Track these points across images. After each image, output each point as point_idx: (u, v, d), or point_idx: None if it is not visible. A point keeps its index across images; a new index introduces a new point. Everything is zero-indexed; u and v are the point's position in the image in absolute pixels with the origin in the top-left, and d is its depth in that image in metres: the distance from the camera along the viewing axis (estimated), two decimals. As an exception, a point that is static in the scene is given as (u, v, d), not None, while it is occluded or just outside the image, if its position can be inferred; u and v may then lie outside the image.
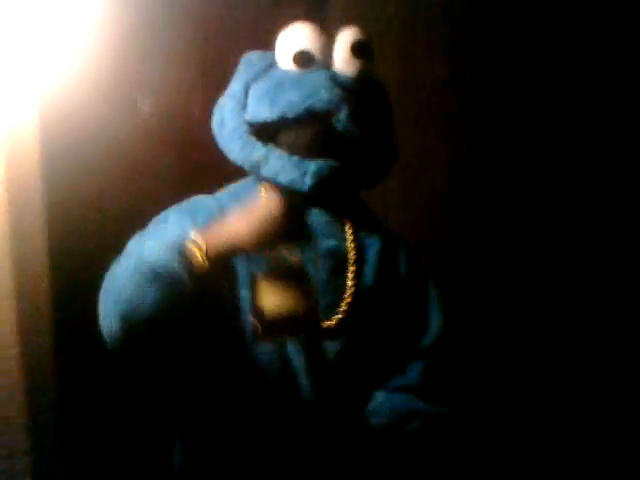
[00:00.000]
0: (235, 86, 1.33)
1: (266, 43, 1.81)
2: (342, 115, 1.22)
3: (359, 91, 1.27)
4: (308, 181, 1.24)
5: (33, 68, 1.62)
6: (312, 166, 1.24)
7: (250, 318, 1.18)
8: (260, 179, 1.32)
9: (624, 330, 2.43)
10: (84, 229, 1.76)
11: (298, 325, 1.18)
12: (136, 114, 1.80)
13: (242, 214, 1.16)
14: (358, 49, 1.29)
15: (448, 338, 1.41)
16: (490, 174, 2.41)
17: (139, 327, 1.15)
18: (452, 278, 2.27)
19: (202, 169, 1.85)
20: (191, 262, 1.11)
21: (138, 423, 1.85)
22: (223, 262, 1.16)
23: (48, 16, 1.64)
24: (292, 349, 1.26)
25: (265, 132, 1.28)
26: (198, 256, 1.11)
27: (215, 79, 1.82)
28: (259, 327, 1.15)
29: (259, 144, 1.28)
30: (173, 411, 1.40)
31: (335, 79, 1.25)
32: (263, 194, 1.30)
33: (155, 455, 1.78)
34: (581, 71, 2.38)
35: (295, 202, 1.27)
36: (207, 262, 1.11)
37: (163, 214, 1.32)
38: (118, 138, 1.77)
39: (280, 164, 1.25)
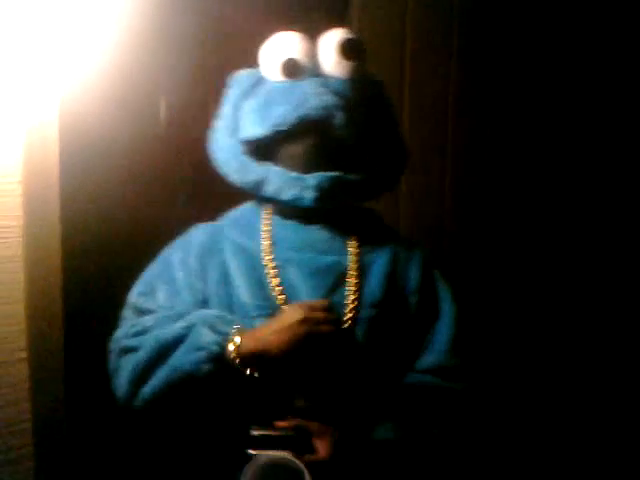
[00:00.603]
0: (225, 108, 1.31)
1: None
2: (337, 121, 1.18)
3: (353, 94, 1.22)
4: (309, 195, 1.21)
5: (53, 71, 1.61)
6: (311, 180, 1.20)
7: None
8: (262, 199, 1.30)
9: (624, 329, 2.44)
10: (98, 234, 1.75)
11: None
12: (155, 121, 1.79)
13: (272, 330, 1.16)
14: (347, 49, 1.23)
15: (453, 360, 1.32)
16: (502, 174, 2.42)
17: (159, 409, 1.23)
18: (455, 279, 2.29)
19: (216, 179, 1.84)
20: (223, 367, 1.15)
21: (144, 430, 1.84)
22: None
23: (70, 20, 1.63)
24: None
25: (261, 149, 1.25)
26: (233, 361, 1.14)
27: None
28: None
29: (255, 164, 1.25)
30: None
31: (326, 84, 1.20)
32: (265, 216, 1.31)
33: (157, 461, 1.78)
34: (591, 72, 2.41)
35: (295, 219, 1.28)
36: (244, 366, 1.14)
37: (164, 255, 1.36)
38: (136, 143, 1.76)
39: (279, 182, 1.23)
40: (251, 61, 1.87)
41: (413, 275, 1.32)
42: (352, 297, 1.24)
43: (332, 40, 1.24)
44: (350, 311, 1.24)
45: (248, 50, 1.83)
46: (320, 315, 1.15)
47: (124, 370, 1.24)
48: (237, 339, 1.14)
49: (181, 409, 1.24)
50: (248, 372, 1.14)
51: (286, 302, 1.23)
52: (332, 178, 1.21)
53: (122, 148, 1.75)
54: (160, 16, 1.78)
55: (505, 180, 2.43)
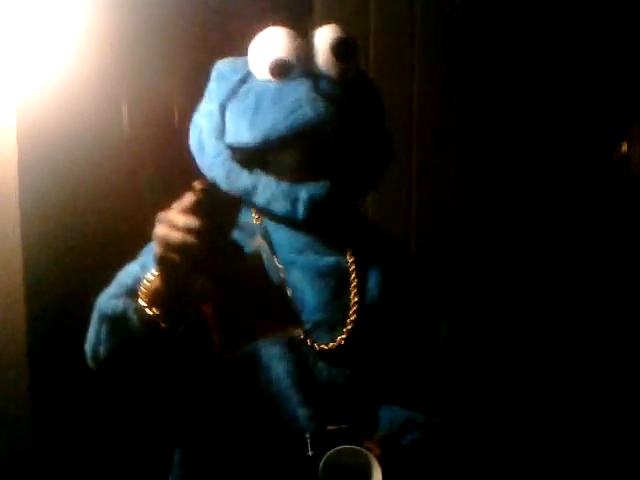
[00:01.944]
0: (210, 105, 1.22)
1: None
2: (329, 129, 1.13)
3: (346, 97, 1.17)
4: (301, 209, 1.15)
5: (10, 75, 1.57)
6: (303, 193, 1.15)
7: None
8: (252, 206, 1.23)
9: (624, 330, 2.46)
10: (61, 240, 1.68)
11: (268, 327, 1.02)
12: (118, 124, 1.78)
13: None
14: (340, 49, 1.17)
15: (449, 351, 1.33)
16: (490, 174, 2.42)
17: (108, 368, 1.11)
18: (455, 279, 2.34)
19: (182, 179, 1.89)
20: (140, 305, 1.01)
21: (112, 446, 1.83)
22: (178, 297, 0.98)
23: (27, 22, 1.59)
24: (285, 379, 1.16)
25: (250, 154, 1.18)
26: (141, 301, 1.00)
27: (198, 87, 1.90)
28: (219, 338, 0.97)
29: (244, 172, 1.18)
30: (171, 423, 1.30)
31: (318, 88, 1.14)
32: (256, 219, 1.24)
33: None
34: (578, 70, 2.44)
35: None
36: (150, 307, 0.99)
37: (147, 248, 1.24)
38: (98, 147, 1.71)
39: (269, 193, 1.16)
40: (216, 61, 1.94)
41: (406, 275, 1.32)
42: (354, 300, 1.22)
43: (324, 39, 1.18)
44: (353, 314, 1.21)
45: (212, 50, 1.91)
46: (173, 219, 0.90)
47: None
48: (150, 276, 1.00)
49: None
50: (150, 311, 0.98)
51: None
52: (324, 189, 1.15)
53: (84, 152, 1.66)
54: (122, 17, 1.73)
55: (510, 182, 2.43)
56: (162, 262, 0.92)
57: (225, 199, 0.98)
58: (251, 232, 1.04)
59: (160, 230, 0.90)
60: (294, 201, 1.15)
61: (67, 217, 1.71)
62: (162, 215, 0.91)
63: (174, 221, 0.89)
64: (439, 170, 2.38)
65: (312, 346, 1.17)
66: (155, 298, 0.98)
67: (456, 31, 2.33)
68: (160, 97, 1.85)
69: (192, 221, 0.88)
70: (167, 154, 1.84)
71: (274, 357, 1.15)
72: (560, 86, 2.47)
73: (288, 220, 1.19)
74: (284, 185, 1.15)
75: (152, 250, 0.96)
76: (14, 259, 1.61)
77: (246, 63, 1.19)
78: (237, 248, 0.94)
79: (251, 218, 1.24)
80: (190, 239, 0.88)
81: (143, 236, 1.79)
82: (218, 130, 1.19)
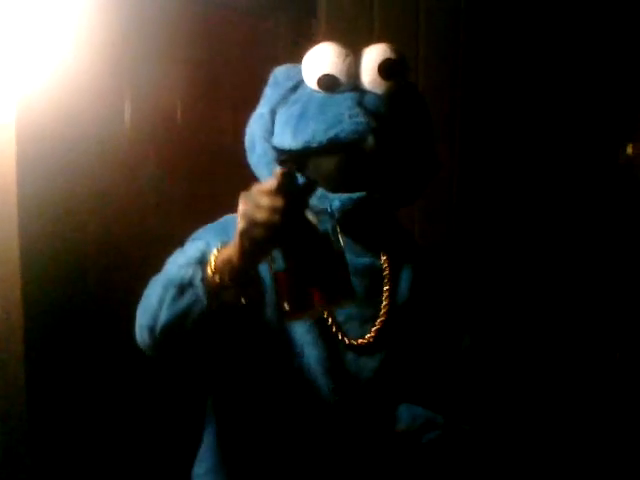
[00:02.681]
0: (263, 109, 1.31)
1: (253, 51, 1.90)
2: (369, 142, 1.19)
3: (389, 112, 1.24)
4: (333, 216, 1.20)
5: (10, 72, 1.56)
6: (336, 202, 1.22)
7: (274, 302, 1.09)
8: None
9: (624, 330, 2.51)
10: (59, 239, 1.68)
11: (330, 296, 1.06)
12: (120, 122, 1.76)
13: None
14: (386, 69, 1.23)
15: (476, 356, 1.38)
16: (494, 175, 2.44)
17: (164, 336, 1.12)
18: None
19: (184, 176, 1.89)
20: (205, 275, 1.06)
21: (107, 444, 1.82)
22: (246, 270, 1.04)
23: (27, 18, 1.57)
24: (316, 366, 1.24)
25: (293, 158, 1.26)
26: (209, 270, 1.06)
27: (200, 85, 1.90)
28: (286, 305, 1.04)
29: None
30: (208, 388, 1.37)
31: (361, 103, 1.21)
32: None
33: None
34: (584, 72, 2.47)
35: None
36: (218, 276, 1.05)
37: (199, 233, 1.30)
38: (99, 145, 1.70)
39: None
40: (220, 61, 1.93)
41: (436, 278, 1.38)
42: (386, 300, 1.28)
43: (373, 57, 1.25)
44: (384, 313, 1.28)
45: (215, 48, 1.91)
46: (258, 200, 0.98)
47: (140, 307, 1.17)
48: (218, 248, 1.07)
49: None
50: (218, 280, 1.05)
51: None
52: (357, 200, 1.23)
53: (84, 150, 1.67)
54: (123, 13, 1.73)
55: (515, 183, 2.45)
56: (245, 236, 0.99)
57: (300, 183, 1.09)
58: (320, 212, 1.11)
59: (246, 208, 0.98)
60: (326, 207, 1.20)
61: (66, 215, 1.70)
62: (246, 195, 0.99)
63: (259, 201, 0.97)
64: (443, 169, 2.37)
65: (342, 339, 1.25)
66: (225, 267, 1.04)
67: (461, 28, 2.34)
68: (162, 94, 1.83)
69: (275, 202, 0.96)
70: (169, 151, 1.85)
71: (307, 344, 1.23)
72: (565, 87, 2.48)
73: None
74: (319, 191, 1.22)
75: (228, 226, 1.17)
76: (11, 257, 1.59)
77: (300, 71, 1.28)
78: (309, 225, 1.04)
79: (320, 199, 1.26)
80: (273, 217, 0.96)
81: (144, 233, 1.82)
82: (267, 132, 1.29)
